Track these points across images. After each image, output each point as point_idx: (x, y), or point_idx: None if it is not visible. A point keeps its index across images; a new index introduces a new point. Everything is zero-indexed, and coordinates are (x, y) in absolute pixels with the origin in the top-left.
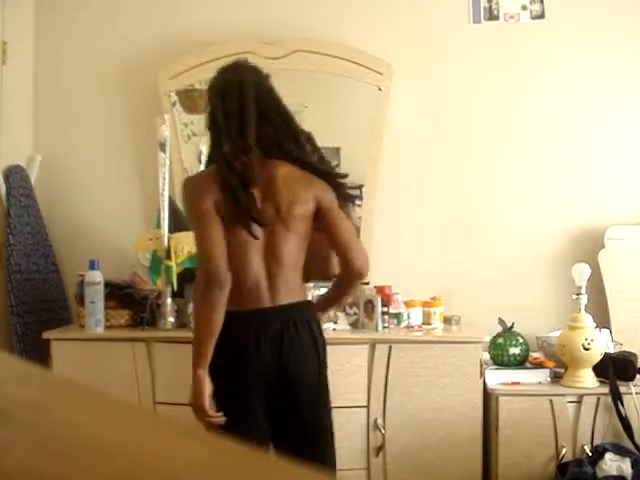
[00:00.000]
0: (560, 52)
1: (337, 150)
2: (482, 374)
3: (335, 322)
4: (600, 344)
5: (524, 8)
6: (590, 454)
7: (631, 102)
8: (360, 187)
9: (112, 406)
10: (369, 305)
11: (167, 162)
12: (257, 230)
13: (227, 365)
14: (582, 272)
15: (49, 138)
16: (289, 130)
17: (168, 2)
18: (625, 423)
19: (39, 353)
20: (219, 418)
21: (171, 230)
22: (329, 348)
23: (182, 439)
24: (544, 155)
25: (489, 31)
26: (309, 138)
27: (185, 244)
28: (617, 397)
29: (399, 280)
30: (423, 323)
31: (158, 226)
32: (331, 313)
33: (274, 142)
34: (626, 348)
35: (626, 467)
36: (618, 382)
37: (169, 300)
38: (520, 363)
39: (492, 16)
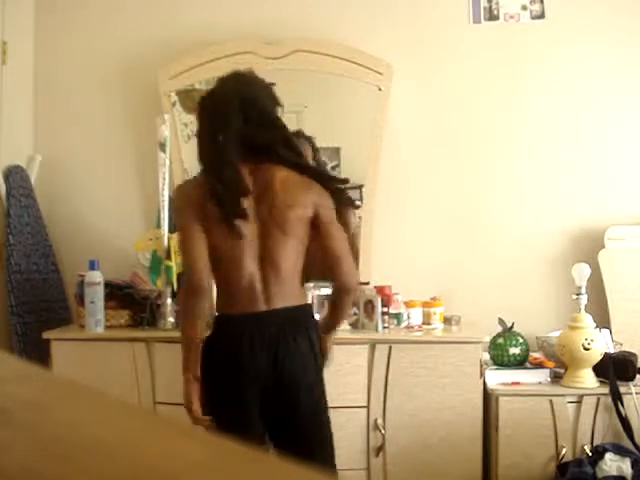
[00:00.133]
0: (560, 52)
1: (337, 150)
2: (482, 374)
3: None
4: (600, 344)
5: (524, 8)
6: (590, 454)
7: (631, 102)
8: (360, 187)
9: (112, 406)
10: (369, 305)
11: (167, 162)
12: (246, 229)
13: (222, 368)
14: (582, 272)
15: (49, 138)
16: (281, 135)
17: (168, 2)
18: (625, 423)
19: (39, 353)
20: (207, 422)
21: (171, 230)
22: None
23: (182, 439)
24: (544, 155)
25: (489, 31)
26: (310, 141)
27: None
28: (617, 397)
29: (399, 280)
30: (423, 323)
31: (158, 226)
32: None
33: (268, 148)
34: (626, 348)
35: (626, 467)
36: (618, 382)
37: (169, 300)
38: (520, 363)
39: (492, 16)
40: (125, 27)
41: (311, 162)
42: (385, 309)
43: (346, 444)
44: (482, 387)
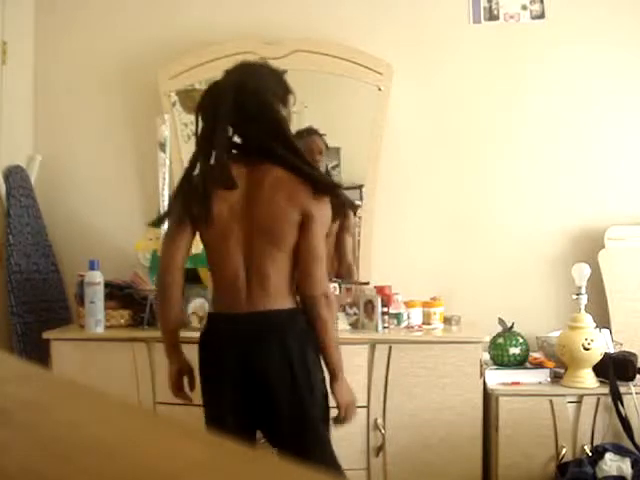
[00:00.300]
0: (560, 52)
1: (337, 150)
2: (482, 374)
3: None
4: (600, 344)
5: (524, 8)
6: (590, 454)
7: (631, 102)
8: (360, 187)
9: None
10: (369, 305)
11: (167, 162)
12: (233, 229)
13: (206, 364)
14: (582, 272)
15: (49, 138)
16: (278, 131)
17: (168, 2)
18: (625, 423)
19: (39, 353)
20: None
21: None
22: None
23: (182, 439)
24: (544, 155)
25: (489, 31)
26: (321, 137)
27: None
28: (617, 397)
29: (399, 280)
30: (423, 323)
31: (158, 226)
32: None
33: (264, 146)
34: (626, 348)
35: (626, 467)
36: (618, 382)
37: None
38: (520, 363)
39: (492, 16)
40: (125, 27)
41: (323, 157)
42: (385, 309)
43: (346, 444)
44: (482, 387)
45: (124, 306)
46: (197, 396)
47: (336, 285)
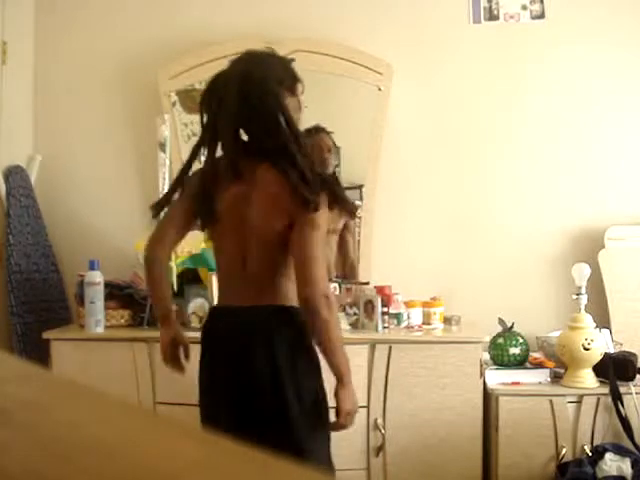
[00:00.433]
0: (560, 52)
1: (337, 150)
2: (482, 374)
3: None
4: (600, 344)
5: (524, 8)
6: (590, 454)
7: (631, 102)
8: (360, 187)
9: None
10: (369, 305)
11: (167, 162)
12: (230, 226)
13: (203, 356)
14: (582, 272)
15: (49, 138)
16: (279, 127)
17: (168, 2)
18: (625, 423)
19: (39, 353)
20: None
21: None
22: None
23: (182, 439)
24: (544, 155)
25: (489, 31)
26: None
27: (185, 244)
28: (617, 397)
29: (399, 280)
30: (423, 323)
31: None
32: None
33: (264, 144)
34: (626, 348)
35: (626, 467)
36: (618, 382)
37: None
38: (520, 363)
39: (492, 16)
40: (125, 27)
41: (331, 155)
42: (385, 309)
43: (346, 444)
44: (482, 387)
45: (124, 306)
46: (197, 396)
47: (336, 285)
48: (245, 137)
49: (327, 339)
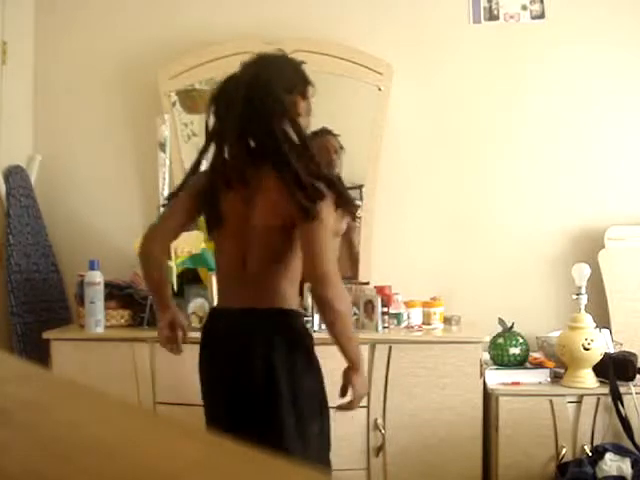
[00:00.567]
0: (560, 52)
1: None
2: (482, 374)
3: None
4: (600, 344)
5: (524, 8)
6: (590, 454)
7: (631, 102)
8: (360, 187)
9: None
10: (369, 305)
11: (167, 162)
12: (232, 228)
13: (201, 355)
14: (582, 272)
15: (49, 138)
16: (275, 132)
17: (168, 2)
18: (625, 423)
19: (39, 353)
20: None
21: None
22: (329, 349)
23: (182, 439)
24: (544, 155)
25: (489, 31)
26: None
27: (185, 244)
28: (617, 397)
29: (399, 280)
30: (423, 323)
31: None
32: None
33: (267, 147)
34: (626, 348)
35: (626, 467)
36: (618, 382)
37: None
38: (520, 363)
39: (492, 16)
40: (125, 27)
41: (338, 157)
42: (385, 309)
43: (346, 444)
44: (482, 387)
45: (124, 306)
46: (197, 397)
47: None
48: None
49: (340, 330)
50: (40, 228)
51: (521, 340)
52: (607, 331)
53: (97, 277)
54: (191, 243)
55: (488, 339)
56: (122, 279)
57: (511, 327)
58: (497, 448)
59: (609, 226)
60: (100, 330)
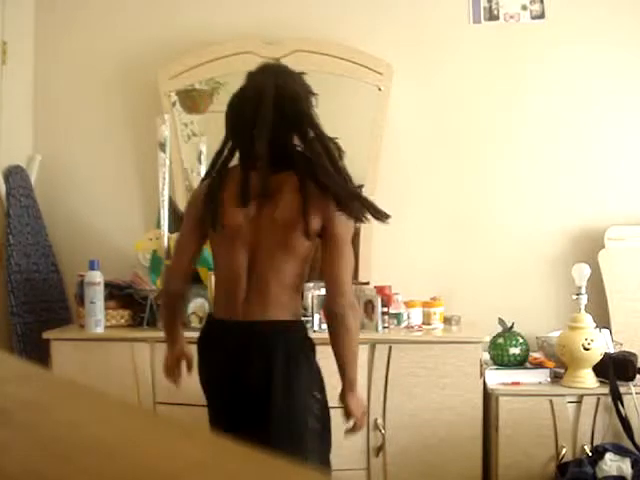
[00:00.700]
0: (560, 52)
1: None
2: (482, 374)
3: None
4: (600, 344)
5: (524, 8)
6: (590, 454)
7: (631, 102)
8: (360, 187)
9: (112, 406)
10: (369, 305)
11: (167, 162)
12: (240, 236)
13: (200, 367)
14: (582, 272)
15: (49, 138)
16: (309, 141)
17: (168, 2)
18: (625, 423)
19: (39, 353)
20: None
21: (171, 230)
22: (329, 349)
23: (182, 439)
24: (544, 155)
25: (489, 31)
26: (335, 144)
27: None
28: (617, 397)
29: (399, 280)
30: (423, 323)
31: (158, 226)
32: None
33: (286, 153)
34: (626, 348)
35: (626, 467)
36: (618, 382)
37: None
38: (520, 363)
39: (492, 16)
40: (125, 27)
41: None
42: (385, 309)
43: (346, 444)
44: (482, 387)
45: (124, 306)
46: (197, 397)
47: None
48: (277, 149)
49: (347, 347)
50: (40, 228)
51: (521, 340)
52: (607, 331)
53: (97, 277)
54: None
55: (488, 339)
56: (122, 279)
57: (511, 327)
58: (497, 448)
59: (609, 226)
60: (100, 330)
